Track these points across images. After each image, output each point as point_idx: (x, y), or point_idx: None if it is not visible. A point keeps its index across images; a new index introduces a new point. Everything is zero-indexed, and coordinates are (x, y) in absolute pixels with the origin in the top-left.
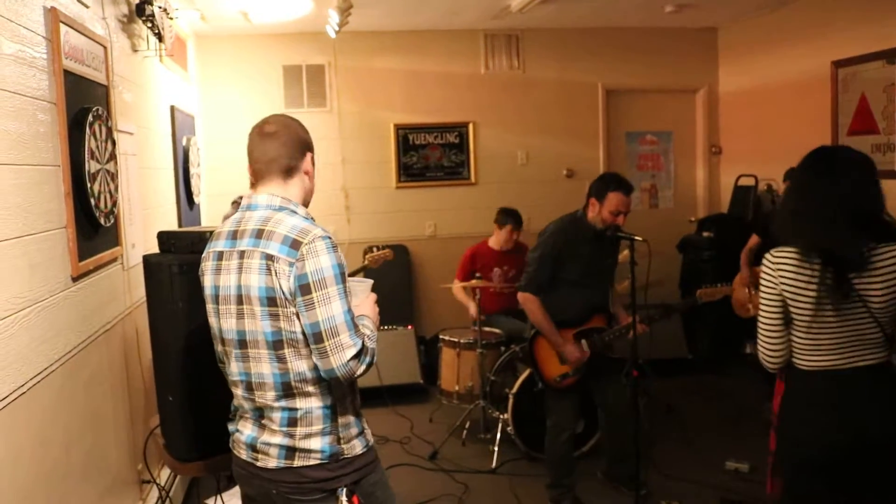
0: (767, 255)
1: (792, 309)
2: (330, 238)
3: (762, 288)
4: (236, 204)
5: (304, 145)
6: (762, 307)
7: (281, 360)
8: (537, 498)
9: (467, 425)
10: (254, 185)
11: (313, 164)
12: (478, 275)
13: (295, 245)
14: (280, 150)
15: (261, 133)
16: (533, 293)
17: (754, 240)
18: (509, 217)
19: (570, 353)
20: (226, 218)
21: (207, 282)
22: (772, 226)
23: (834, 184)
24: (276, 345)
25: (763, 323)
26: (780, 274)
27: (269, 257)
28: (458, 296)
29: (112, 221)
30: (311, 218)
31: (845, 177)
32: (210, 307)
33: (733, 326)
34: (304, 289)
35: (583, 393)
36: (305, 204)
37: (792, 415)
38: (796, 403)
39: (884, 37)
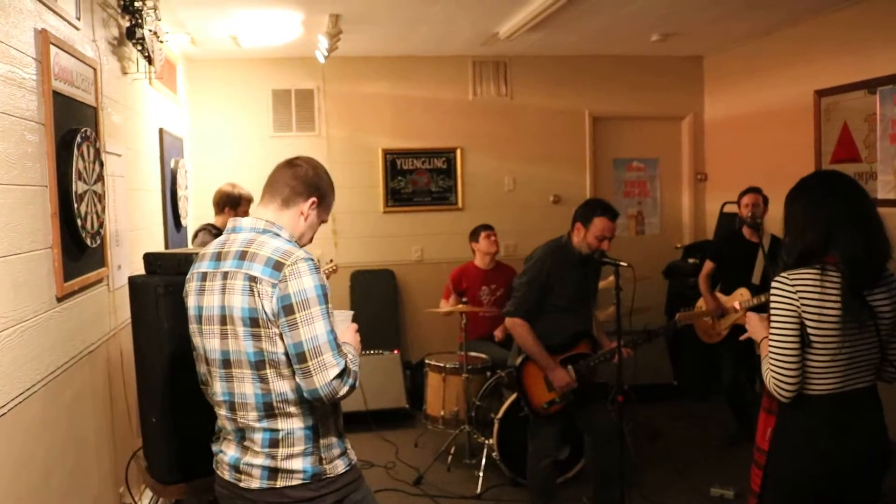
0: (781, 279)
1: (812, 330)
2: (312, 260)
3: (776, 313)
4: (205, 230)
5: (314, 189)
6: (777, 333)
7: (263, 380)
8: None
9: (452, 450)
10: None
11: (315, 211)
12: (464, 299)
13: (278, 266)
14: (291, 180)
15: (287, 162)
16: (522, 318)
17: (709, 266)
18: (478, 228)
19: (558, 379)
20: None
21: (191, 302)
22: (783, 249)
23: (861, 195)
24: (259, 365)
25: (780, 349)
26: (800, 295)
27: (252, 279)
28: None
29: (98, 242)
30: (295, 241)
31: (863, 193)
32: (194, 327)
33: (718, 353)
34: (288, 309)
35: (567, 419)
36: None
37: (800, 444)
38: (805, 432)
39: (865, 67)
